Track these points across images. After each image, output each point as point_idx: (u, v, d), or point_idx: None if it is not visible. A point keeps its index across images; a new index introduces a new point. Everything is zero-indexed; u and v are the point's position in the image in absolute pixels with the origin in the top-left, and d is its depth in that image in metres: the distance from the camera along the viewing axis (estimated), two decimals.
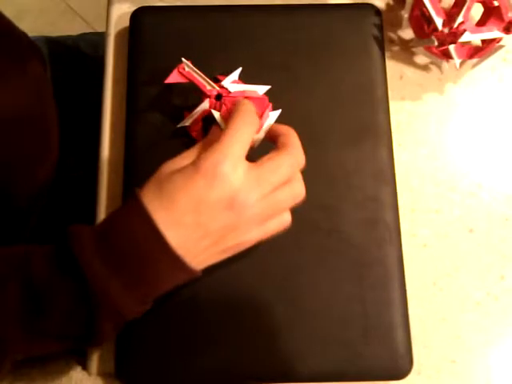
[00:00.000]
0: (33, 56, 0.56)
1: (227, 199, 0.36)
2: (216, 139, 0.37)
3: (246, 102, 0.40)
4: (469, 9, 0.47)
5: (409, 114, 0.51)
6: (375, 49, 0.50)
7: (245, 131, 0.38)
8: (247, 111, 0.39)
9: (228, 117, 0.42)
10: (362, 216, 0.46)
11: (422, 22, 0.50)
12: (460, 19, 0.47)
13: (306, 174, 0.40)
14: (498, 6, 0.47)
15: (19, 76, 0.50)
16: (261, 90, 0.45)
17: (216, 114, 0.43)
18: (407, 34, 0.53)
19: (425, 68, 0.52)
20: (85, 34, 0.74)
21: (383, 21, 0.51)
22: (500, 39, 0.49)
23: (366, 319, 0.44)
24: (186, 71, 0.43)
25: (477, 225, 0.49)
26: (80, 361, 0.46)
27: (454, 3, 0.49)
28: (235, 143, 0.37)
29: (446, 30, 0.47)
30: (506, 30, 0.47)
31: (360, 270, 0.45)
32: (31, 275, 0.35)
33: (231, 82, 0.45)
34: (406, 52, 0.52)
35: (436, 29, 0.48)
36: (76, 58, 0.68)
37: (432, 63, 0.52)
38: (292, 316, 0.44)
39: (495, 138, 0.50)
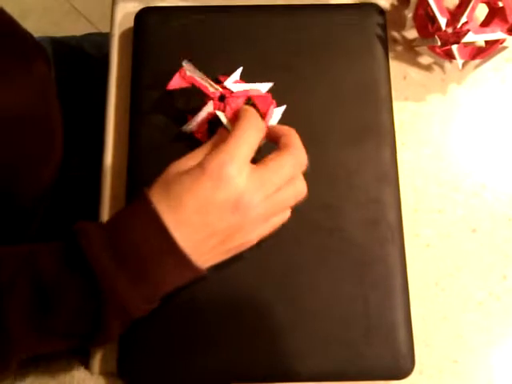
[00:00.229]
0: (38, 56, 0.56)
1: (233, 201, 0.37)
2: (223, 140, 0.38)
3: (250, 108, 0.41)
4: (473, 9, 0.47)
5: (412, 114, 0.51)
6: (379, 48, 0.50)
7: (251, 134, 0.39)
8: (253, 116, 0.40)
9: (232, 118, 0.42)
10: (364, 216, 0.46)
11: (426, 21, 0.50)
12: (464, 19, 0.46)
13: (309, 173, 0.40)
14: (503, 7, 0.47)
15: (24, 76, 0.50)
16: (264, 87, 0.45)
17: (222, 117, 0.43)
18: (411, 34, 0.52)
19: (428, 68, 0.52)
20: (89, 34, 0.75)
21: (387, 20, 0.51)
22: (503, 40, 0.48)
23: (368, 319, 0.44)
24: (188, 75, 0.43)
25: (480, 225, 0.49)
26: (83, 360, 0.46)
27: (459, 3, 0.49)
28: (242, 145, 0.38)
29: (450, 30, 0.47)
30: (510, 32, 0.47)
31: (362, 270, 0.45)
32: (40, 273, 0.36)
33: (233, 82, 0.45)
34: (409, 52, 0.52)
35: (439, 28, 0.48)
36: (80, 58, 0.69)
37: (435, 64, 0.52)
38: (293, 316, 0.44)
39: (498, 139, 0.50)
